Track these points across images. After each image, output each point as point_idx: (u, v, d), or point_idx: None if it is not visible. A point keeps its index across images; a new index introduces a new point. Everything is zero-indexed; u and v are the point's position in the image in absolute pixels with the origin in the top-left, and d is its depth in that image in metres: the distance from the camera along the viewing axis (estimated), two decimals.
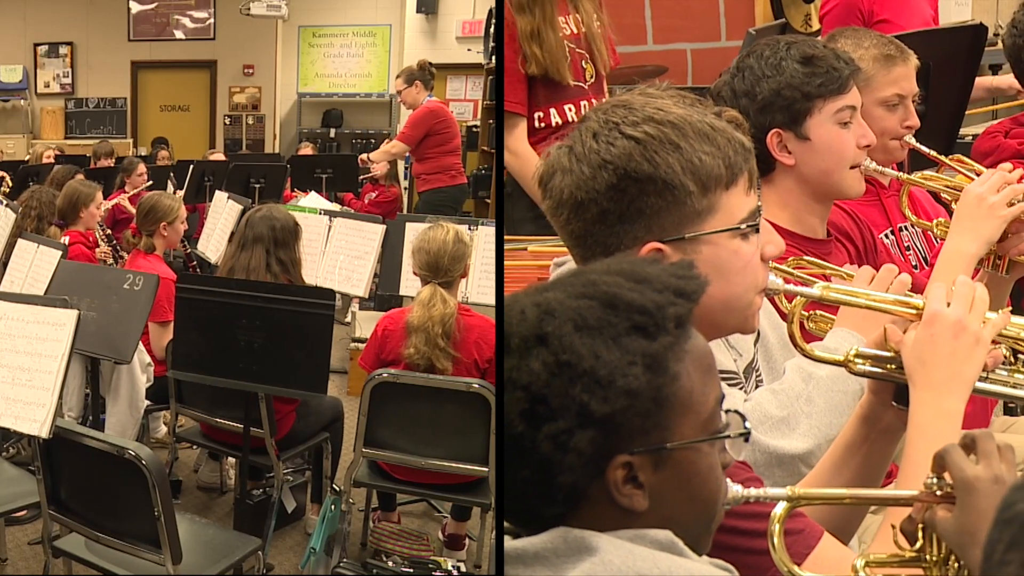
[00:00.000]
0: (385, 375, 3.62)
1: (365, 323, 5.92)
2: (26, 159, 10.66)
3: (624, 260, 1.37)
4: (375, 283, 5.53)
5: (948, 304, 1.63)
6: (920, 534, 1.40)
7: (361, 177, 9.07)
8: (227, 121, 14.12)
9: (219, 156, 10.15)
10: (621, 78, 4.71)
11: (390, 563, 3.90)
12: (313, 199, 7.40)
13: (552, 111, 3.95)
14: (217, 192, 6.80)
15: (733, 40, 5.81)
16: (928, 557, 1.40)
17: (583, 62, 4.02)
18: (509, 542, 1.31)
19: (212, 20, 13.99)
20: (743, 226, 1.62)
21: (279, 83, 13.94)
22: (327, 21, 13.74)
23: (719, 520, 1.35)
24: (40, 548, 3.86)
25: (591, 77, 4.05)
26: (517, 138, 3.92)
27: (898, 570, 1.42)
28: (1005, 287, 2.41)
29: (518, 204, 4.01)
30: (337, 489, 3.89)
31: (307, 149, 11.21)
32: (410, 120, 7.79)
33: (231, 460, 4.58)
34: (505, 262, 3.53)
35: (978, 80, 3.99)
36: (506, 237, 3.87)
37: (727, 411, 1.34)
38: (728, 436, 1.32)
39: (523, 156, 3.87)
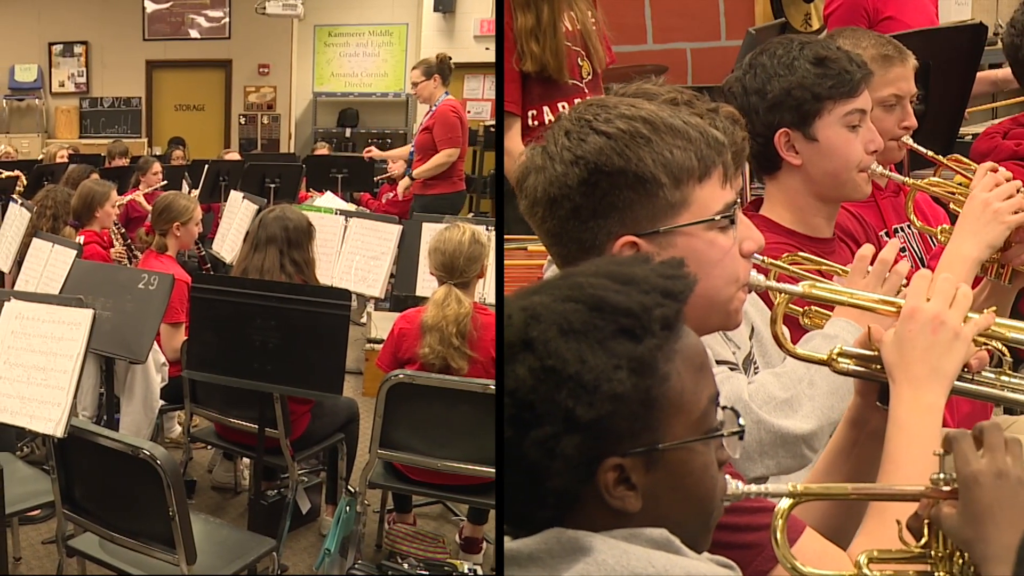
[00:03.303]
0: (401, 376, 3.60)
1: (381, 324, 5.91)
2: (40, 158, 10.68)
3: (612, 261, 1.37)
4: (391, 283, 5.51)
5: (928, 299, 1.63)
6: (925, 530, 1.40)
7: (378, 177, 9.05)
8: (242, 120, 14.15)
9: (234, 156, 10.16)
10: (621, 77, 4.69)
11: (405, 565, 3.89)
12: (329, 199, 7.40)
13: (546, 109, 3.93)
14: (232, 192, 6.80)
15: (733, 40, 5.81)
16: (933, 553, 1.40)
17: (579, 59, 4.00)
18: (506, 543, 1.31)
19: (227, 19, 14.01)
20: (717, 217, 1.62)
21: (294, 82, 13.96)
22: (343, 20, 13.76)
23: (718, 516, 1.35)
24: (54, 547, 3.86)
25: (588, 75, 4.04)
26: (511, 138, 3.90)
27: (903, 566, 1.42)
28: (1008, 296, 2.39)
29: (511, 203, 3.98)
30: (352, 490, 3.87)
31: (323, 149, 11.23)
32: (446, 123, 7.12)
33: (245, 460, 4.57)
34: (505, 261, 3.51)
35: (981, 74, 3.95)
36: (506, 236, 3.85)
37: (723, 408, 1.34)
38: (720, 435, 1.32)
39: (515, 156, 3.84)
